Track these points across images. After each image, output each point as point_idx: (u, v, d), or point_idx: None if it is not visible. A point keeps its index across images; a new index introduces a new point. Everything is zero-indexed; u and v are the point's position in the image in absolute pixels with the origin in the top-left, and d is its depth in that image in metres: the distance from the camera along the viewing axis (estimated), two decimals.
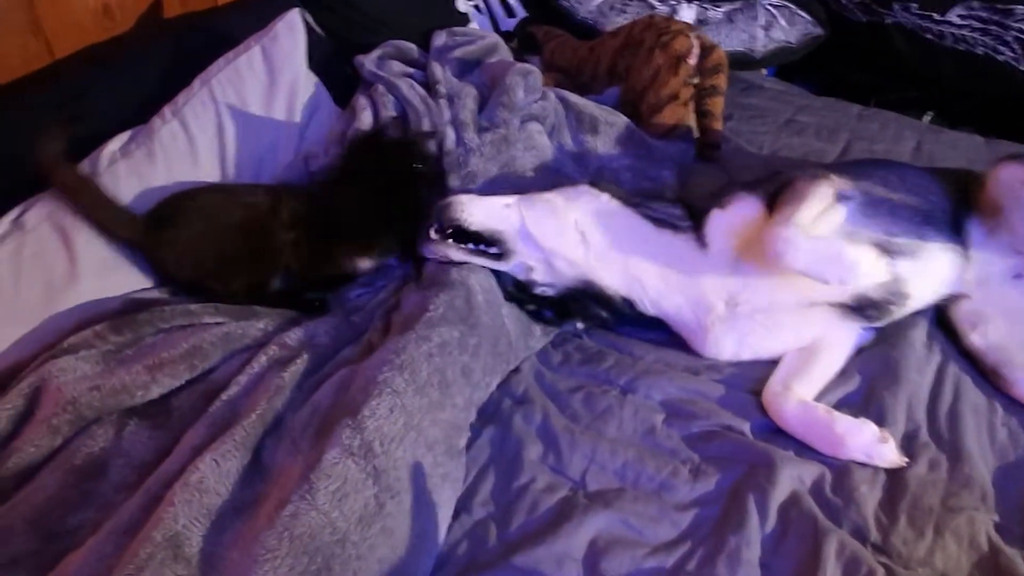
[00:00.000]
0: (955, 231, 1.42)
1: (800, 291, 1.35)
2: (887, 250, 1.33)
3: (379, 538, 1.00)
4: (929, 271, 1.39)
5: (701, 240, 1.41)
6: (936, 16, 2.15)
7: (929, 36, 2.18)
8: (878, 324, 1.40)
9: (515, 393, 1.33)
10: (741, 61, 2.26)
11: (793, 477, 1.16)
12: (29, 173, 1.42)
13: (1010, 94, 2.18)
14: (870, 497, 1.15)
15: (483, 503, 1.16)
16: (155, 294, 1.40)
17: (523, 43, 2.31)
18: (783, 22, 2.25)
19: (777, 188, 1.38)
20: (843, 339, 1.39)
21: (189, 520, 0.99)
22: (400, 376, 1.13)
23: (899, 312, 1.40)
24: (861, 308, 1.36)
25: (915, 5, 2.13)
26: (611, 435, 1.25)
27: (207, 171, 1.57)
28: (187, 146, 1.54)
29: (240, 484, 1.06)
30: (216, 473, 1.05)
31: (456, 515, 1.13)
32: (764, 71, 2.44)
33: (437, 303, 1.26)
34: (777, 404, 1.28)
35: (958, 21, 2.15)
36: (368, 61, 1.96)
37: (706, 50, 1.90)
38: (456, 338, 1.23)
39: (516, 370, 1.38)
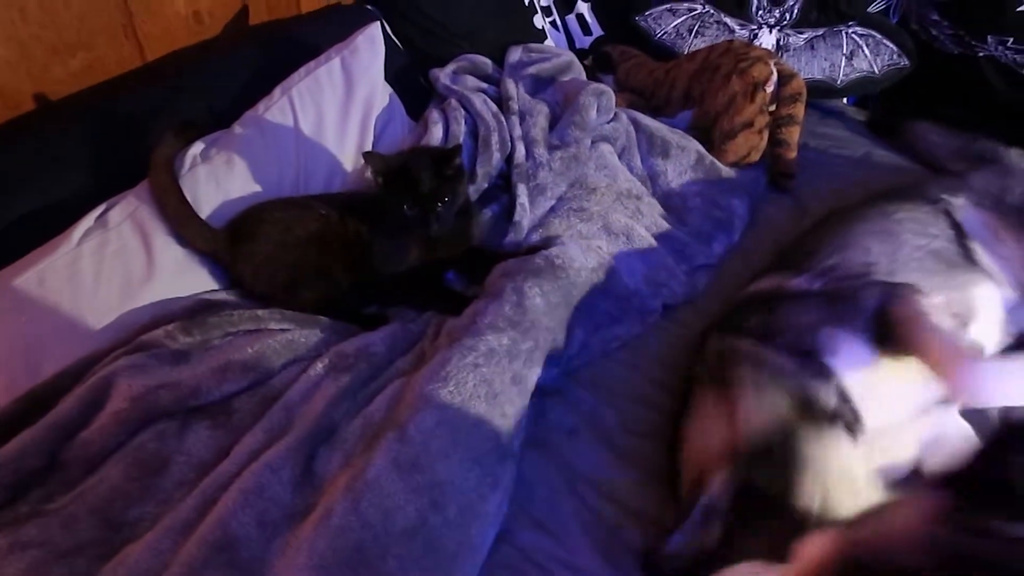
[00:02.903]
0: None
1: None
2: None
3: (422, 551, 1.00)
4: None
5: None
6: None
7: None
8: None
9: (565, 425, 1.30)
10: (821, 89, 2.19)
11: None
12: (117, 169, 1.48)
13: None
14: None
15: (531, 525, 1.14)
16: (224, 295, 1.44)
17: (598, 62, 2.30)
18: (867, 51, 2.17)
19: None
20: None
21: (242, 525, 1.01)
22: (445, 389, 1.13)
23: None
24: None
25: (1011, 39, 2.04)
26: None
27: (283, 178, 1.60)
28: (264, 153, 1.57)
29: (292, 492, 1.08)
30: (270, 480, 1.07)
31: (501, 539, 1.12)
32: (844, 100, 2.37)
33: (486, 312, 1.26)
34: None
35: None
36: (443, 75, 1.98)
37: (785, 78, 1.85)
38: (505, 346, 1.20)
39: (567, 399, 1.34)
